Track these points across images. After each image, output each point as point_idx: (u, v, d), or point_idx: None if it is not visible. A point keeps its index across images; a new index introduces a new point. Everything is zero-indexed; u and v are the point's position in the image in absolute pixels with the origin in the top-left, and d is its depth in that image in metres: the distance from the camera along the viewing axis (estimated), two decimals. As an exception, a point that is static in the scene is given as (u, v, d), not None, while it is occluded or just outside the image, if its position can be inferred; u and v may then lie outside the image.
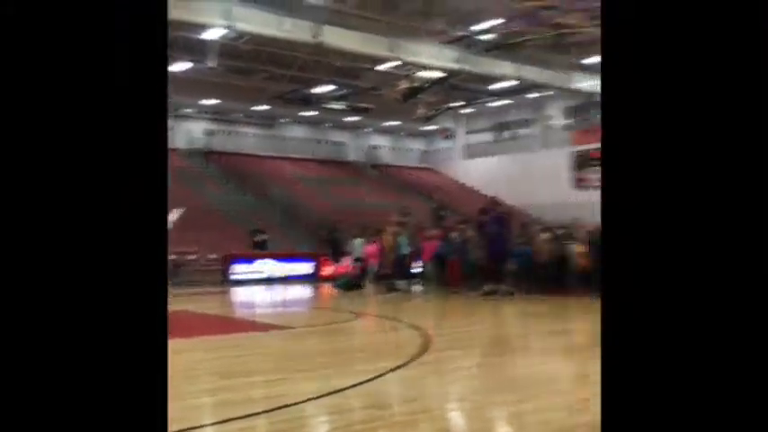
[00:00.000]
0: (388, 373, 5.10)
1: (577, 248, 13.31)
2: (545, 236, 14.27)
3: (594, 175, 25.39)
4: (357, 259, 16.10)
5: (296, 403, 4.13)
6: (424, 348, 6.32)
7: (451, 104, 27.53)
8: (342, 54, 19.02)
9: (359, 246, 16.27)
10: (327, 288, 16.31)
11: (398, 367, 5.32)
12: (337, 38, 17.61)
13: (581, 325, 9.43)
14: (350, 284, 15.23)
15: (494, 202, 13.83)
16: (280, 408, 3.99)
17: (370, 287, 15.30)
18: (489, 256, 12.81)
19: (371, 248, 15.62)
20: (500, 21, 18.31)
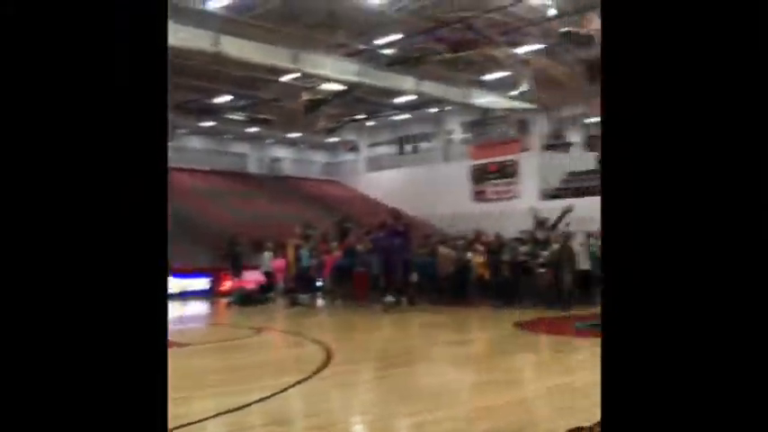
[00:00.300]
0: (289, 388, 5.01)
1: (477, 259, 13.66)
2: (446, 247, 14.56)
3: (491, 187, 26.22)
4: (267, 273, 15.90)
5: (195, 422, 3.98)
6: (326, 363, 6.26)
7: (354, 117, 27.69)
8: (242, 64, 18.73)
9: (267, 259, 16.05)
10: (226, 303, 15.93)
11: (299, 382, 5.24)
12: (237, 48, 17.33)
13: (481, 334, 9.66)
14: (246, 299, 15.00)
15: (395, 215, 13.94)
16: (179, 427, 3.83)
17: (279, 301, 15.13)
18: (387, 269, 12.84)
19: (278, 262, 15.43)
20: (400, 36, 18.62)
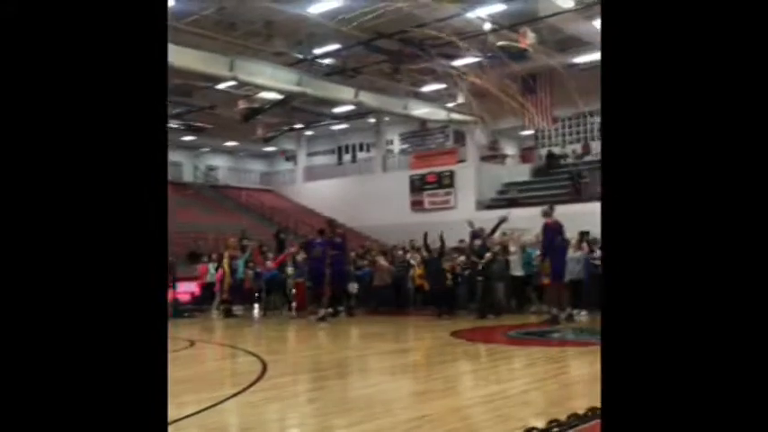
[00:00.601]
0: (223, 401, 4.91)
1: (417, 271, 13.74)
2: (385, 258, 14.60)
3: (428, 198, 26.47)
4: (210, 284, 15.60)
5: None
6: (261, 375, 6.16)
7: (292, 126, 27.51)
8: (177, 71, 18.36)
9: (212, 270, 15.72)
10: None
11: (234, 395, 5.13)
12: (172, 54, 16.94)
13: (418, 344, 9.70)
14: (178, 313, 14.69)
15: (330, 225, 13.87)
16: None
17: (214, 313, 14.85)
18: (315, 278, 12.59)
19: (219, 274, 15.14)
20: (338, 46, 18.64)
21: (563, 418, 3.91)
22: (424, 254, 13.24)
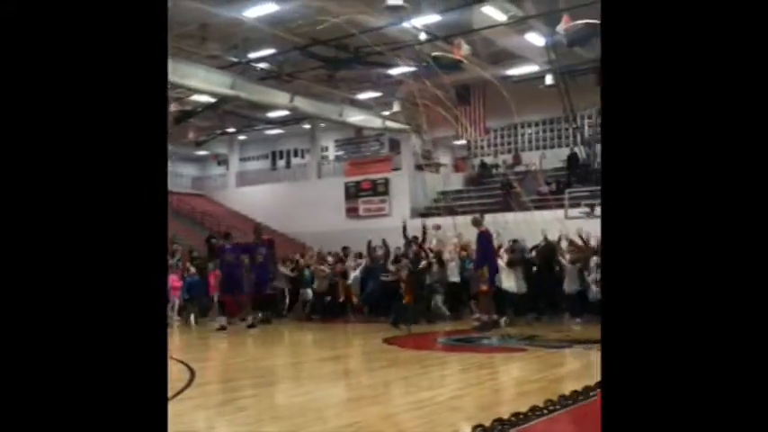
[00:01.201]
0: (149, 411, 4.77)
1: (344, 284, 13.70)
2: (320, 264, 14.52)
3: (363, 205, 26.53)
4: None
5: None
6: (189, 383, 6.02)
7: (225, 130, 27.07)
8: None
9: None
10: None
11: (161, 404, 4.99)
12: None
13: (350, 350, 9.69)
14: None
15: (256, 230, 13.70)
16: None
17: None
18: (230, 285, 12.20)
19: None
20: (273, 51, 18.49)
21: (488, 423, 3.98)
22: (367, 261, 13.24)
